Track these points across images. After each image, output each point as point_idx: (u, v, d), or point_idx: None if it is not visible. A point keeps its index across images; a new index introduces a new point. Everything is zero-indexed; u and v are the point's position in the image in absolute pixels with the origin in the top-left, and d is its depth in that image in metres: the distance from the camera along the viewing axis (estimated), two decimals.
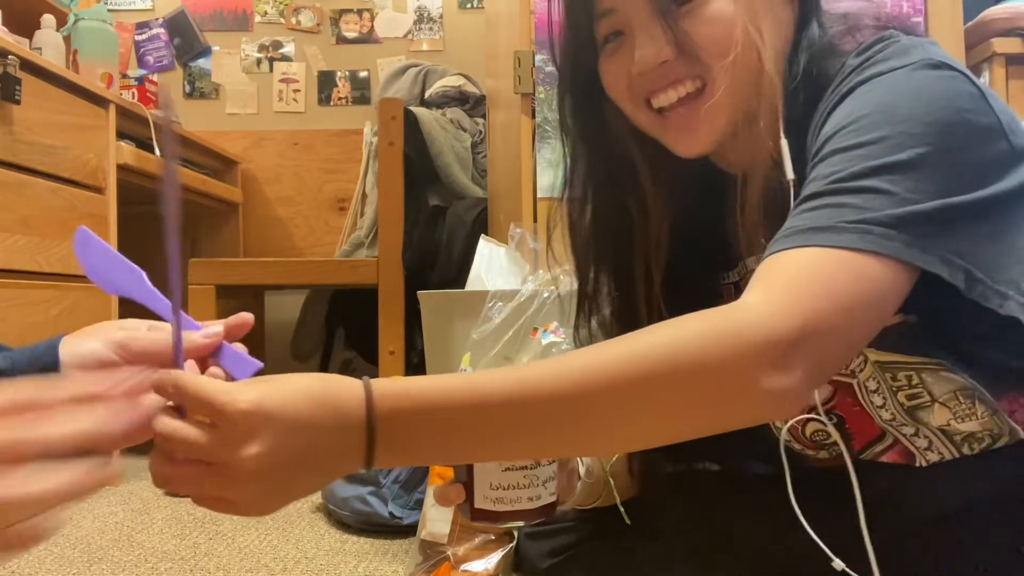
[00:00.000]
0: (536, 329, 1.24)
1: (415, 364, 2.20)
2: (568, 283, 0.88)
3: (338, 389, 0.50)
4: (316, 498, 1.78)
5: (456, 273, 2.22)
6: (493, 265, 1.49)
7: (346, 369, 2.72)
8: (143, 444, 0.53)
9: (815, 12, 0.75)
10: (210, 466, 0.47)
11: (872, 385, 0.73)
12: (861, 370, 0.73)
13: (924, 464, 0.75)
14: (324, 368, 2.72)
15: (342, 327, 2.71)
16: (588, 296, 0.85)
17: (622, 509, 0.77)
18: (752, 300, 0.55)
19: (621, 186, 0.81)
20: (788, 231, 0.59)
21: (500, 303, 1.28)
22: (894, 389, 0.72)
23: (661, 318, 0.75)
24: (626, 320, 0.82)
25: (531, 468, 0.60)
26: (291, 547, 1.45)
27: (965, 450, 0.73)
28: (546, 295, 1.26)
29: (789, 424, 0.78)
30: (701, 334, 0.53)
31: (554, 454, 0.61)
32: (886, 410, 0.73)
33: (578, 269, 0.85)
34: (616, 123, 0.79)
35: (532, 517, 0.62)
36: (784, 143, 0.69)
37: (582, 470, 0.72)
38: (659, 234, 0.80)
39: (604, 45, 0.76)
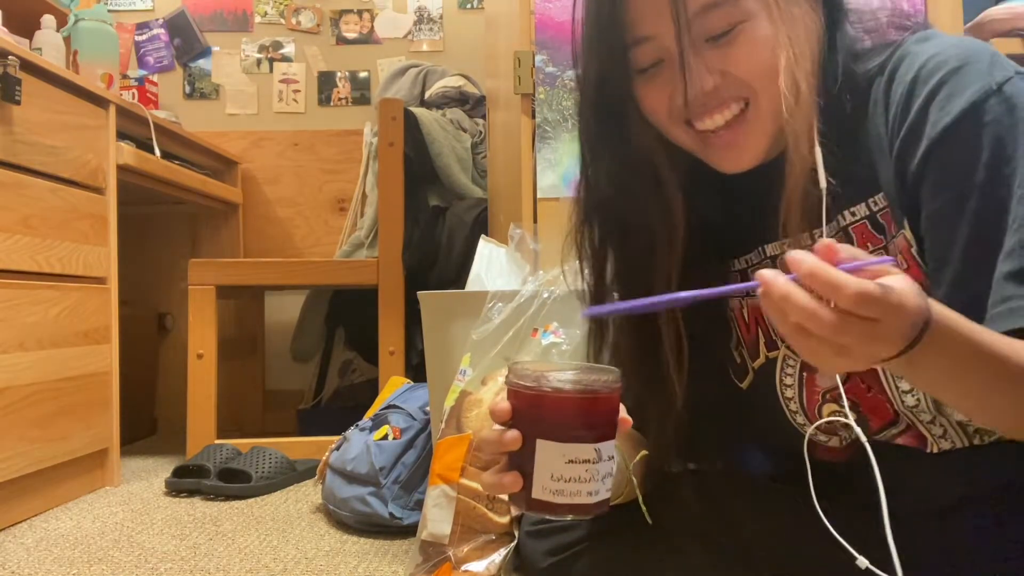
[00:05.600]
0: (536, 330, 1.24)
1: (415, 364, 2.20)
2: (571, 281, 0.88)
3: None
4: (316, 498, 1.78)
5: (456, 273, 2.22)
6: (493, 265, 1.49)
7: (346, 369, 2.72)
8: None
9: (842, 13, 0.76)
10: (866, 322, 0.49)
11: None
12: None
13: (935, 451, 0.76)
14: (324, 369, 2.72)
15: (342, 327, 2.71)
16: (596, 291, 0.86)
17: (644, 508, 0.77)
18: None
19: (644, 187, 0.81)
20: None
21: (500, 304, 1.28)
22: None
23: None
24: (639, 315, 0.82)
25: (593, 463, 0.59)
26: (291, 547, 1.45)
27: (976, 440, 0.75)
28: (546, 296, 1.27)
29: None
30: None
31: None
32: (912, 395, 0.74)
33: (592, 267, 0.86)
34: (642, 134, 0.79)
35: (588, 512, 0.62)
36: (818, 151, 0.71)
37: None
38: (677, 227, 0.80)
39: (641, 72, 0.76)
